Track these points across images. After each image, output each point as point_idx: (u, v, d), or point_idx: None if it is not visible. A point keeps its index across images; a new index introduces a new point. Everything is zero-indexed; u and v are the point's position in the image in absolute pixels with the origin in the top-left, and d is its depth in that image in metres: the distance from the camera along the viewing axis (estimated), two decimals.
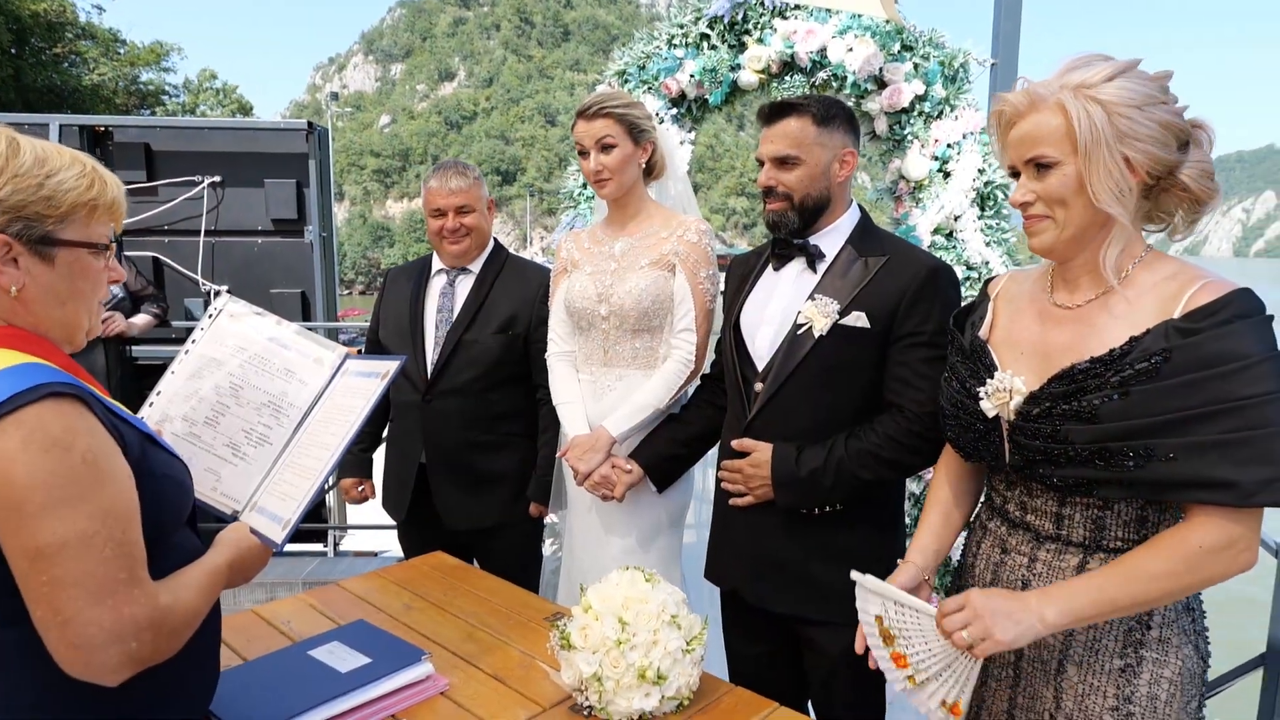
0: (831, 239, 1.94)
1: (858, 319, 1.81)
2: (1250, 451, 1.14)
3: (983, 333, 1.50)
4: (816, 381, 1.85)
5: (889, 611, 1.43)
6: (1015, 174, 1.37)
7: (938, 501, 1.65)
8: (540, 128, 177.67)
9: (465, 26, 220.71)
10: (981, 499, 1.64)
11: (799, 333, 1.85)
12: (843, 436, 1.83)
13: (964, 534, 1.66)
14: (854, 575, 1.48)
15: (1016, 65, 3.59)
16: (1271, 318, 1.21)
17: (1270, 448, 1.14)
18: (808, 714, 1.85)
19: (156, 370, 2.18)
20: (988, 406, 1.40)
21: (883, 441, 1.78)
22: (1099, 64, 1.27)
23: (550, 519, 2.97)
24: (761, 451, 1.88)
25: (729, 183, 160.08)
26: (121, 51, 30.90)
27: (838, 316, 1.82)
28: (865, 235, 1.93)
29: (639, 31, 3.62)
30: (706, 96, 3.51)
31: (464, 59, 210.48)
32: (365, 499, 2.87)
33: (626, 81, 3.58)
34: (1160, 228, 1.35)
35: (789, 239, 1.96)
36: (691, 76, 3.46)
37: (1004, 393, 1.38)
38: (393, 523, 2.78)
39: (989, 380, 1.41)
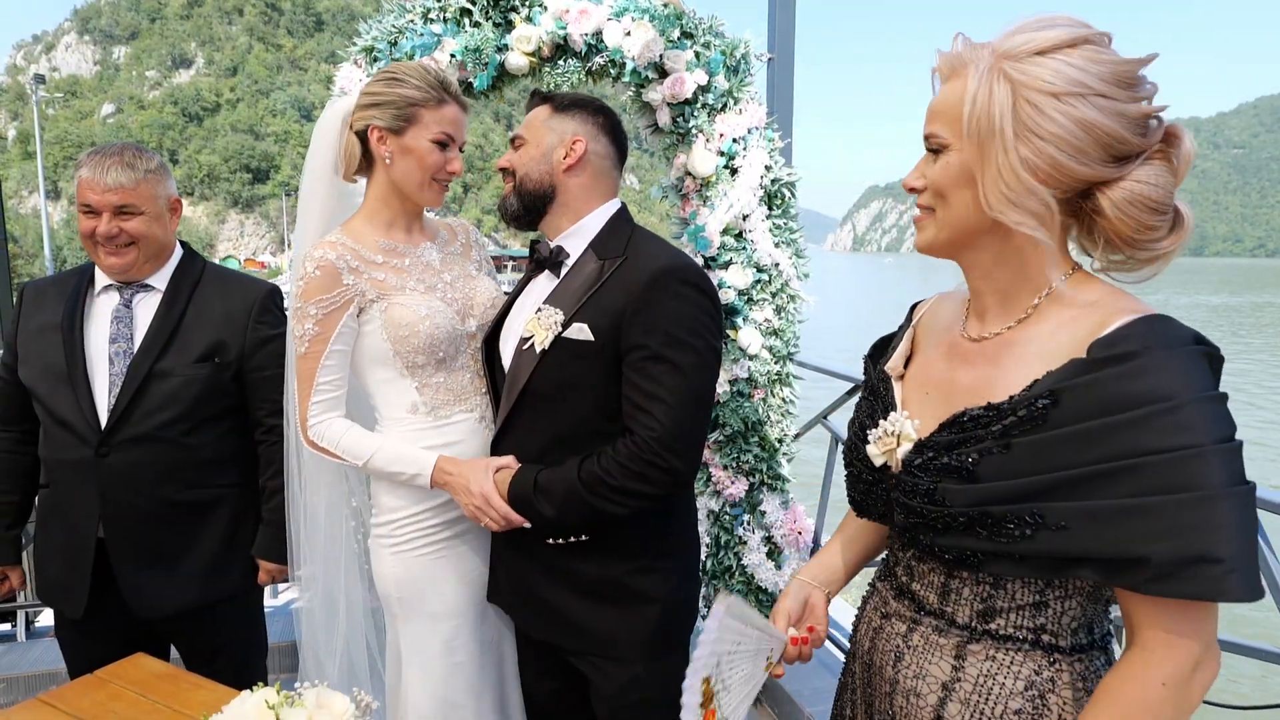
0: (575, 240, 1.78)
1: (580, 331, 1.64)
2: (1164, 522, 0.86)
3: (893, 365, 1.25)
4: (548, 400, 1.70)
5: (721, 667, 1.14)
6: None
7: (842, 527, 1.41)
8: (295, 122, 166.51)
9: (202, 9, 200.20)
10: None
11: (523, 348, 1.71)
12: (579, 460, 1.66)
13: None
14: (716, 603, 1.14)
15: (793, 60, 3.48)
16: (1205, 350, 0.93)
17: (1195, 516, 0.85)
18: None
19: None
20: (873, 452, 1.16)
21: (610, 467, 1.62)
22: (1054, 29, 0.97)
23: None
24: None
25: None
26: None
27: (560, 329, 1.65)
28: (612, 236, 1.75)
29: (388, 2, 3.12)
30: (470, 80, 3.08)
31: (202, 44, 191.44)
32: (11, 595, 2.22)
33: (376, 60, 3.07)
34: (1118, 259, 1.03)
35: (538, 246, 1.82)
36: (452, 56, 3.02)
37: (891, 437, 1.13)
38: None
39: (882, 422, 1.17)
